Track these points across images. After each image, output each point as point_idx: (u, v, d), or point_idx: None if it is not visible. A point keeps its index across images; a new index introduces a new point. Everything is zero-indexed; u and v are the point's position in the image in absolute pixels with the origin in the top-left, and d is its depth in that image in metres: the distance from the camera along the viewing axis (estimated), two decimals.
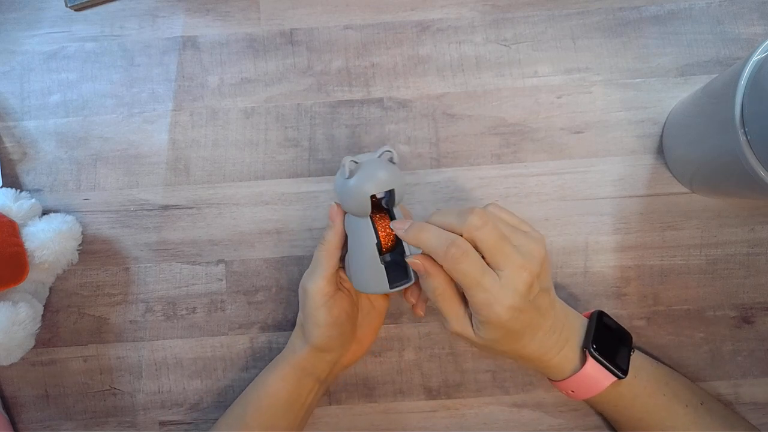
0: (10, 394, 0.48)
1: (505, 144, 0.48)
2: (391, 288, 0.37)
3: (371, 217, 0.37)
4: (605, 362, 0.38)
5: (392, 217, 0.38)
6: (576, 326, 0.40)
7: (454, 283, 0.36)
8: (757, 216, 0.47)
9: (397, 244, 0.38)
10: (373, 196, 0.36)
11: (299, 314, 0.42)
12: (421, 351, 0.48)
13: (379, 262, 0.37)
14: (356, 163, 0.37)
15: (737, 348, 0.47)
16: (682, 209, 0.47)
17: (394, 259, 0.39)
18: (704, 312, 0.47)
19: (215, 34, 0.50)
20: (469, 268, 0.34)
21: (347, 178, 0.37)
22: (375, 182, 0.36)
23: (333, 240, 0.39)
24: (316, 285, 0.39)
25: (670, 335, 0.47)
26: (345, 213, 0.40)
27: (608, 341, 0.40)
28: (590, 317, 0.41)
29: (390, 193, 0.37)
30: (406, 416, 0.47)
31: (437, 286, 0.36)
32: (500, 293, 0.34)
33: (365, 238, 0.37)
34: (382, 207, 0.38)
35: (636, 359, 0.41)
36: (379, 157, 0.38)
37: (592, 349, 0.38)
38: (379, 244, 0.37)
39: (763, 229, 0.47)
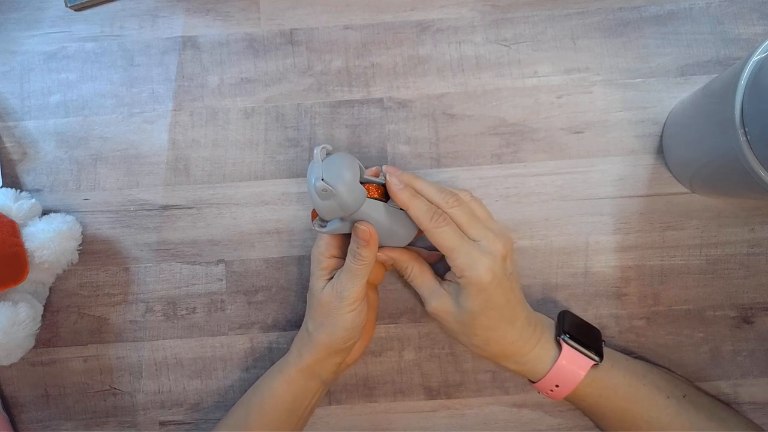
0: (10, 394, 0.48)
1: (505, 144, 0.48)
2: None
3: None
4: (580, 347, 0.40)
5: (370, 180, 0.40)
6: (546, 324, 0.42)
7: (425, 266, 0.42)
8: (757, 216, 0.47)
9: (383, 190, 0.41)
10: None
11: (309, 321, 0.42)
12: (421, 351, 0.48)
13: (398, 209, 0.40)
14: (325, 181, 0.37)
15: (737, 348, 0.47)
16: (682, 209, 0.47)
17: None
18: (704, 312, 0.47)
19: (215, 34, 0.50)
20: (451, 231, 0.38)
21: (335, 196, 0.37)
22: (354, 175, 0.38)
23: (370, 255, 0.39)
24: (355, 291, 0.39)
25: (670, 335, 0.47)
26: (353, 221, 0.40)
27: (579, 333, 0.42)
28: (558, 315, 0.44)
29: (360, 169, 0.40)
30: (406, 416, 0.47)
31: (407, 266, 0.42)
32: (480, 256, 0.38)
33: (376, 212, 0.39)
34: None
35: (611, 353, 0.42)
36: (324, 159, 0.39)
37: (566, 337, 0.40)
38: (384, 200, 0.40)
39: (763, 229, 0.47)
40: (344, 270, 0.40)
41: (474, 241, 0.38)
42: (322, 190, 0.37)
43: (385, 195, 0.41)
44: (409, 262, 0.42)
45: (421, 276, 0.42)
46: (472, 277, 0.37)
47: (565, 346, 0.40)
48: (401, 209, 0.40)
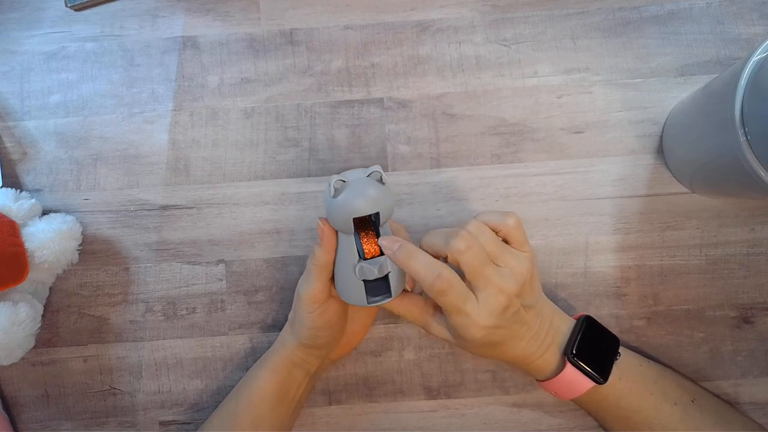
0: (10, 394, 0.48)
1: (505, 144, 0.48)
2: (368, 303, 0.38)
3: (356, 234, 0.38)
4: (584, 368, 0.39)
5: (378, 236, 0.38)
6: (562, 330, 0.41)
7: (412, 305, 0.40)
8: (757, 216, 0.47)
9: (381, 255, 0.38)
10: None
11: (291, 312, 0.43)
12: (421, 351, 0.48)
13: (360, 279, 0.38)
14: (343, 181, 0.37)
15: (737, 348, 0.47)
16: (682, 209, 0.47)
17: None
18: (704, 312, 0.47)
19: (215, 34, 0.50)
20: (452, 298, 0.35)
21: (333, 197, 0.37)
22: (358, 205, 0.36)
23: (322, 257, 0.39)
24: (308, 294, 0.39)
25: (670, 335, 0.47)
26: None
27: (592, 346, 0.40)
28: (577, 322, 0.42)
29: (375, 214, 0.37)
30: (406, 416, 0.47)
31: (393, 310, 0.40)
32: (477, 316, 0.36)
33: (349, 254, 0.38)
34: (370, 223, 0.38)
35: (625, 360, 0.41)
36: (368, 176, 0.38)
37: (570, 356, 0.39)
38: (362, 259, 0.38)
39: (763, 229, 0.47)
40: (305, 269, 0.40)
41: (477, 291, 0.36)
42: (335, 182, 0.37)
43: (378, 255, 0.38)
44: (394, 308, 0.41)
45: (410, 316, 0.41)
46: (466, 336, 0.37)
47: (568, 365, 0.39)
48: (362, 282, 0.38)
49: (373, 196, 0.36)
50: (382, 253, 0.38)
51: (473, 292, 0.36)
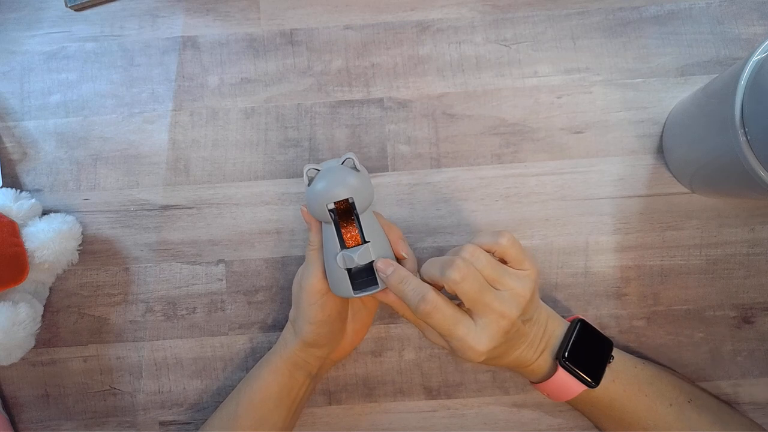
0: (10, 394, 0.48)
1: (505, 144, 0.48)
2: (354, 293, 0.38)
3: (336, 224, 0.38)
4: (576, 372, 0.39)
5: (359, 225, 0.38)
6: (556, 334, 0.41)
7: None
8: (757, 216, 0.47)
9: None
10: (337, 203, 0.37)
11: (291, 310, 0.43)
12: (421, 351, 0.48)
13: (343, 269, 0.38)
14: (317, 170, 0.38)
15: (737, 348, 0.47)
16: (682, 209, 0.47)
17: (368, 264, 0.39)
18: (704, 312, 0.47)
19: (215, 34, 0.50)
20: (439, 321, 0.35)
21: (307, 186, 0.37)
22: (331, 191, 0.36)
23: (316, 239, 0.40)
24: (310, 283, 0.39)
25: (670, 335, 0.47)
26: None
27: (585, 350, 0.40)
28: (570, 325, 0.41)
29: (351, 200, 0.37)
30: (406, 416, 0.47)
31: (395, 309, 0.40)
32: (474, 341, 0.35)
33: (332, 244, 0.38)
34: (350, 213, 0.38)
35: (619, 362, 0.41)
36: (342, 163, 0.38)
37: (562, 360, 0.39)
38: (343, 248, 0.38)
39: (763, 229, 0.47)
40: (305, 260, 0.41)
41: (477, 317, 0.36)
42: (308, 170, 0.37)
43: (359, 242, 0.38)
44: (395, 306, 0.40)
45: (409, 315, 0.40)
46: (465, 359, 0.36)
47: (560, 369, 0.39)
48: (346, 272, 0.38)
49: (346, 182, 0.37)
50: (365, 241, 0.38)
51: (473, 318, 0.36)
